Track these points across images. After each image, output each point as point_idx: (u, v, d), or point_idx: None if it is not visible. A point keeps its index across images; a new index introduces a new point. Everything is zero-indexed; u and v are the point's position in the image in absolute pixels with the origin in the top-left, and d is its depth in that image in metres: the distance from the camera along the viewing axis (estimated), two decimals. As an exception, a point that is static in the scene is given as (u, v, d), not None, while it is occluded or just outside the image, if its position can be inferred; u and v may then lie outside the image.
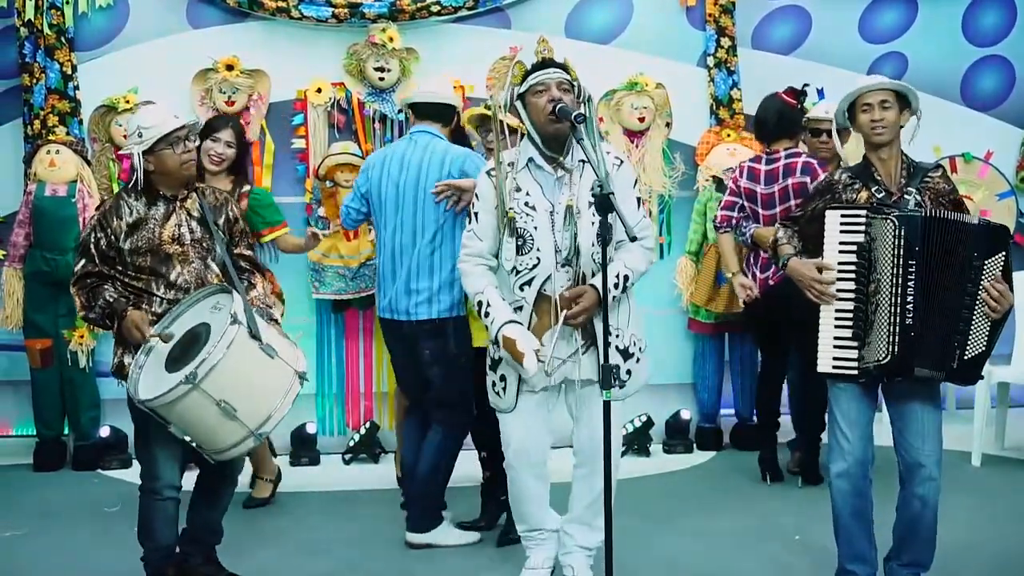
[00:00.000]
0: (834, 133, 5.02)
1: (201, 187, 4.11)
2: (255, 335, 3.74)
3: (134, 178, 3.96)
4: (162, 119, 3.94)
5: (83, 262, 3.95)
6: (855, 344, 3.74)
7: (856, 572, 3.88)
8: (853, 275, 3.74)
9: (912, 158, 3.93)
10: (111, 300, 3.87)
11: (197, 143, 4.24)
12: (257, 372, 3.76)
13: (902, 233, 3.66)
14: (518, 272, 3.87)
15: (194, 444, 3.78)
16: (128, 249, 3.91)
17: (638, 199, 3.99)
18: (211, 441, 3.76)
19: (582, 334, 3.90)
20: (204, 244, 4.00)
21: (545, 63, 3.92)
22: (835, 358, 3.77)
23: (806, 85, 5.71)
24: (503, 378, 3.98)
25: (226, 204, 4.14)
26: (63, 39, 6.12)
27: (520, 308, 3.88)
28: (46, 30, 6.08)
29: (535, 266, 3.85)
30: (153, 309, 3.90)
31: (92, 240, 3.94)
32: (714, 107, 6.65)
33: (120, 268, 3.93)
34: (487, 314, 3.89)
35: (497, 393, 4.03)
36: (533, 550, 4.18)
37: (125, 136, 4.05)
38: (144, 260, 3.92)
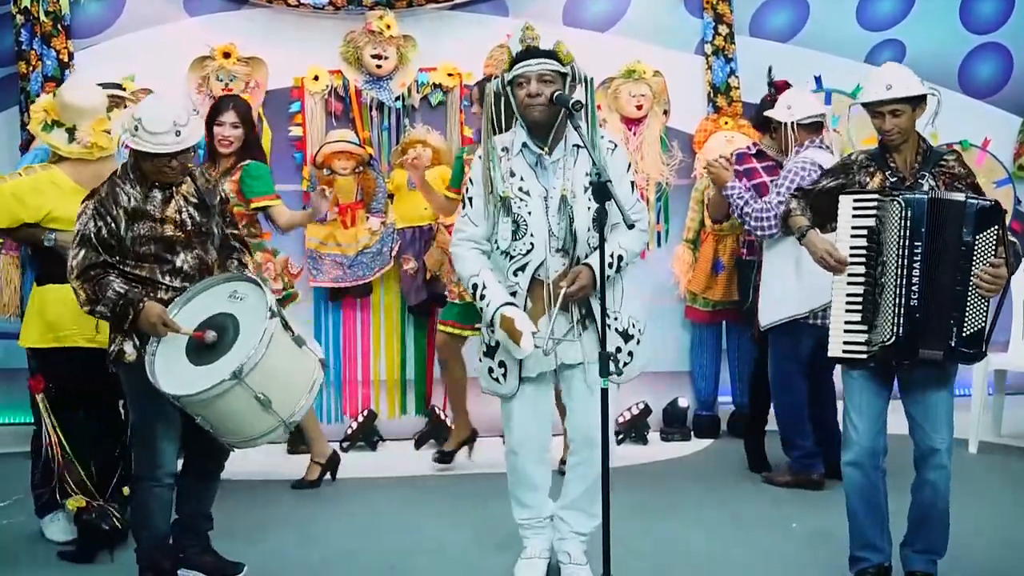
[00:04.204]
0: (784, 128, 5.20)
1: (192, 171, 4.01)
2: (287, 326, 3.76)
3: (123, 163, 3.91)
4: (161, 136, 3.75)
5: (83, 253, 3.80)
6: (864, 328, 3.76)
7: (868, 559, 3.90)
8: (864, 259, 3.76)
9: (929, 142, 3.93)
10: (123, 291, 3.75)
11: (191, 156, 4.00)
12: (290, 363, 3.78)
13: (908, 215, 3.67)
14: (512, 257, 3.86)
15: (217, 434, 3.79)
16: (131, 238, 3.82)
17: (632, 183, 3.97)
18: (242, 431, 3.79)
19: (578, 316, 3.88)
20: (203, 229, 3.95)
21: (529, 52, 3.86)
22: (845, 342, 3.80)
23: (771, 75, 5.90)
24: (502, 364, 3.96)
25: (217, 185, 4.11)
26: (59, 26, 6.10)
27: (514, 294, 3.87)
28: (42, 17, 6.06)
29: (529, 251, 3.84)
30: (159, 297, 3.84)
31: (92, 229, 3.80)
32: (712, 95, 6.64)
33: (120, 257, 3.84)
34: (483, 296, 3.86)
35: (496, 379, 4.00)
36: (531, 539, 4.15)
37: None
38: (148, 248, 3.84)
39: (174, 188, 3.92)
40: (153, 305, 3.77)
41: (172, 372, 3.73)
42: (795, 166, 5.06)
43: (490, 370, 4.02)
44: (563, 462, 4.87)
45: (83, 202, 3.89)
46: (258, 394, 3.65)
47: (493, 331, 3.88)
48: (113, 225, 3.81)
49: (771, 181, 5.32)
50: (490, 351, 4.00)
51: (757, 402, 5.70)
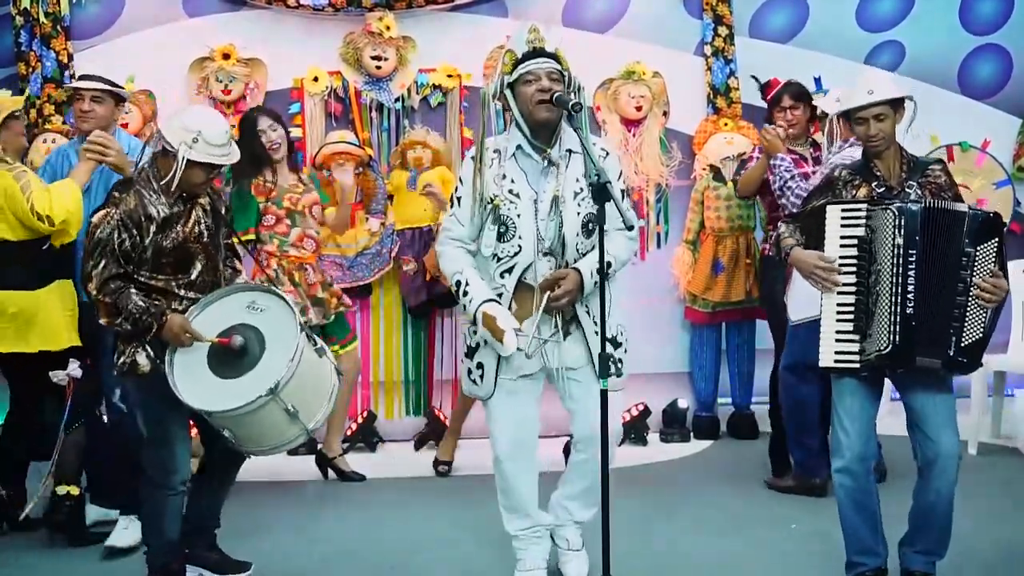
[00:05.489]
0: (831, 120, 5.12)
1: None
2: (311, 336, 3.79)
3: (168, 176, 3.78)
4: (221, 148, 3.81)
5: (103, 264, 3.72)
6: (856, 337, 3.75)
7: (864, 563, 3.88)
8: (854, 269, 3.75)
9: (912, 153, 3.93)
10: (145, 306, 3.72)
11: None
12: (314, 373, 3.82)
13: (902, 223, 3.66)
14: (499, 259, 3.85)
15: (238, 443, 3.79)
16: (153, 249, 3.78)
17: (622, 191, 3.95)
18: (266, 441, 3.80)
19: (562, 321, 3.88)
20: (214, 241, 3.97)
21: (536, 52, 3.86)
22: (836, 352, 3.78)
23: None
24: (480, 365, 3.95)
25: (220, 197, 4.11)
26: (59, 27, 6.12)
27: (500, 295, 3.85)
28: (42, 18, 6.07)
29: (516, 254, 3.83)
30: (175, 308, 3.82)
31: (116, 241, 3.72)
32: (711, 96, 6.64)
33: (135, 267, 3.78)
34: (465, 293, 3.84)
35: (473, 381, 3.98)
36: (527, 550, 4.10)
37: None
38: (168, 259, 3.82)
39: (194, 199, 3.92)
40: (176, 316, 3.77)
41: (195, 384, 3.71)
42: (839, 160, 4.97)
43: (468, 371, 4.01)
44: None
45: (102, 209, 3.80)
46: (288, 407, 3.67)
47: (475, 331, 3.87)
48: (138, 238, 3.76)
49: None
50: (470, 352, 3.99)
51: (778, 405, 5.67)
